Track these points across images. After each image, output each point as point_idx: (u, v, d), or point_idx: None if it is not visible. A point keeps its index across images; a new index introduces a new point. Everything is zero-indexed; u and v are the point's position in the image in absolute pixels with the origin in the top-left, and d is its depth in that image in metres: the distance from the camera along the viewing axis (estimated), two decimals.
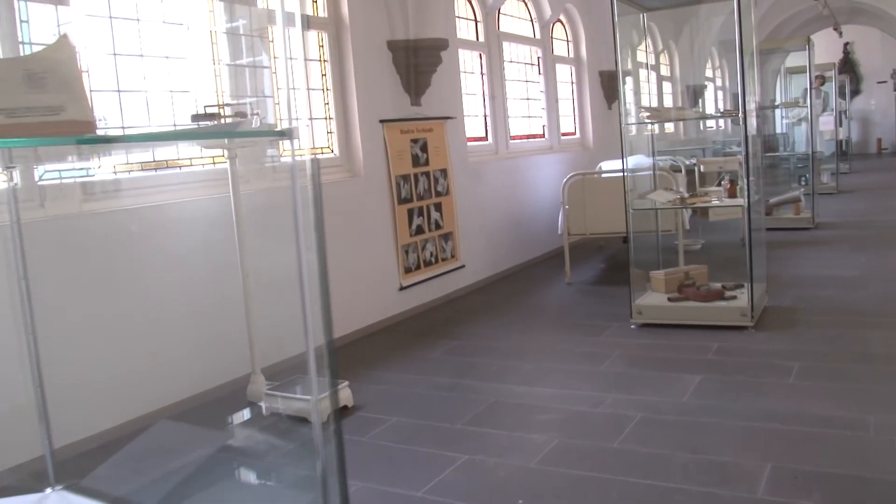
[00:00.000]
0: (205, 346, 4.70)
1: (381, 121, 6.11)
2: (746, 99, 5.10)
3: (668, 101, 12.03)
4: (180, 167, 4.83)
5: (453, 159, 6.91)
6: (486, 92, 7.75)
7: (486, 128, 7.75)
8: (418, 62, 6.30)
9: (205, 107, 4.40)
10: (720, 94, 14.00)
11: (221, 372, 4.79)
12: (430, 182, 6.60)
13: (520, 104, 8.45)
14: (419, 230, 6.46)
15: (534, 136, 8.67)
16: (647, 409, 3.98)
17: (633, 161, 8.41)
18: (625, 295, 5.67)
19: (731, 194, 5.58)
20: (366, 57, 5.99)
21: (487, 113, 7.75)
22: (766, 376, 4.31)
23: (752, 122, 6.38)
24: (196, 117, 4.29)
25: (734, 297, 5.40)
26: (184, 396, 4.59)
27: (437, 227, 6.69)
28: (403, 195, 6.30)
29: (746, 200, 5.15)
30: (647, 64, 6.62)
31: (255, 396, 4.55)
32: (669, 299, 5.50)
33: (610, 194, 6.94)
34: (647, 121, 5.97)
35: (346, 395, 4.42)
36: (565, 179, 7.15)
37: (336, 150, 5.91)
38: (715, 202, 5.69)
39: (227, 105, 4.73)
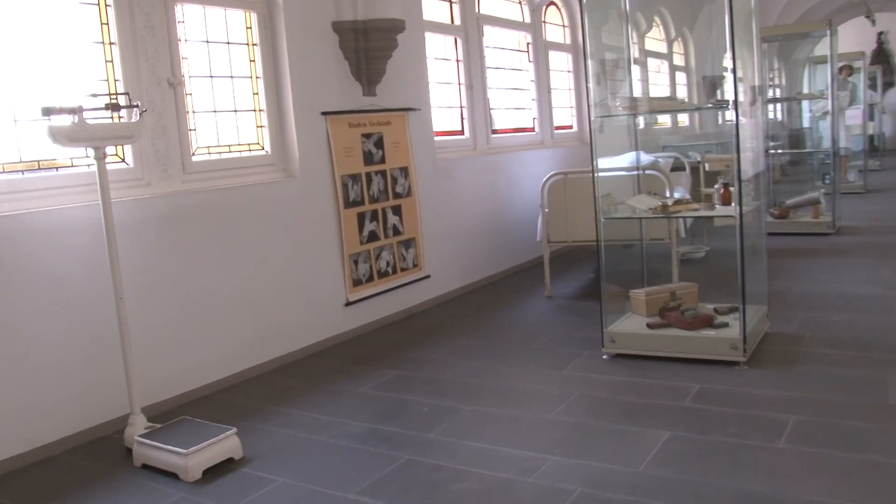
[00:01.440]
0: (81, 380, 3.86)
1: (324, 113, 5.19)
2: (738, 88, 4.10)
3: (682, 93, 10.92)
4: (56, 168, 3.97)
5: (417, 156, 5.97)
6: (463, 81, 6.78)
7: (462, 121, 6.79)
8: (369, 46, 5.36)
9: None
10: (741, 85, 12.71)
11: (101, 411, 3.93)
12: (386, 182, 5.66)
13: (506, 95, 7.47)
14: (372, 237, 5.54)
15: (522, 130, 7.69)
16: (590, 482, 3.02)
17: (628, 158, 7.41)
18: (608, 312, 4.71)
19: (725, 201, 4.56)
20: (305, 40, 5.07)
21: (464, 104, 6.78)
22: (750, 436, 3.32)
23: (757, 113, 5.38)
24: (48, 111, 3.43)
25: (725, 325, 4.39)
26: (53, 439, 3.76)
27: (396, 232, 5.76)
28: (352, 198, 5.38)
29: (738, 209, 4.14)
30: (628, 48, 5.61)
31: (132, 442, 3.68)
32: (649, 325, 4.51)
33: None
34: (622, 113, 4.95)
35: (231, 446, 3.53)
36: (545, 179, 6.17)
37: (267, 147, 5.00)
38: (703, 210, 4.66)
39: (98, 95, 3.85)
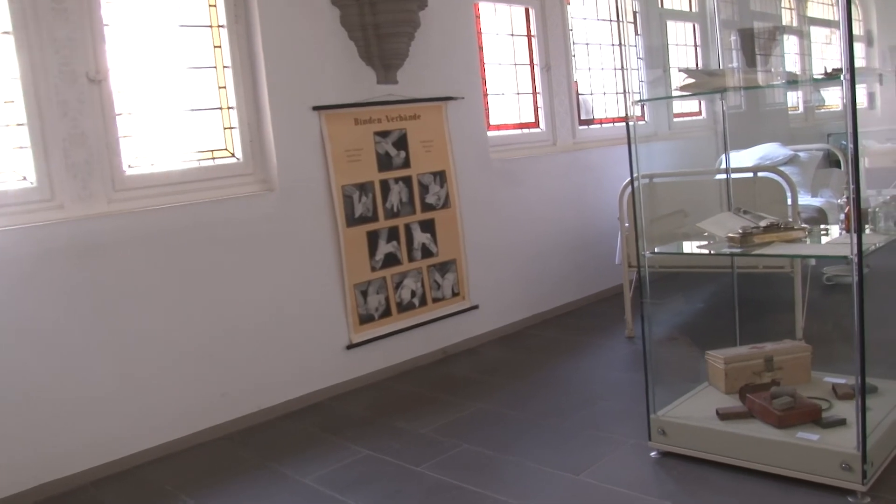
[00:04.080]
0: None
1: (317, 108, 3.97)
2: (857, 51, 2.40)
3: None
4: None
5: (461, 157, 4.60)
6: (538, 62, 5.27)
7: (535, 111, 5.29)
8: (379, 21, 4.06)
9: None
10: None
11: None
12: (411, 191, 4.35)
13: (604, 77, 5.84)
14: (390, 261, 4.26)
15: (626, 120, 6.02)
16: None
17: (760, 152, 5.62)
18: (671, 381, 3.18)
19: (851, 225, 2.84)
20: (290, 17, 3.87)
21: (539, 90, 5.28)
22: None
23: None
24: None
25: (840, 423, 2.69)
26: None
27: (427, 254, 4.43)
28: (359, 213, 4.12)
29: (855, 246, 2.44)
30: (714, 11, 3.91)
31: None
32: (719, 414, 2.89)
33: (698, 207, 4.27)
34: (680, 94, 3.31)
35: None
36: (624, 184, 4.56)
37: (239, 153, 3.86)
38: (802, 244, 2.92)
39: None
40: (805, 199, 5.16)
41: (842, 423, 2.69)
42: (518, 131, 5.17)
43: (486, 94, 4.89)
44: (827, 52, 8.22)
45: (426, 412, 3.67)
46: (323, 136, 3.98)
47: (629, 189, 4.53)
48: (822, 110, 8.00)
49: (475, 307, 4.67)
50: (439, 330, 4.50)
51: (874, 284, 5.07)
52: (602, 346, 4.50)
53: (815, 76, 3.05)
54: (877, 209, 2.92)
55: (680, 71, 3.25)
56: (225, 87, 3.80)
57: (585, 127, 5.60)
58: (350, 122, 4.09)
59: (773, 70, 7.20)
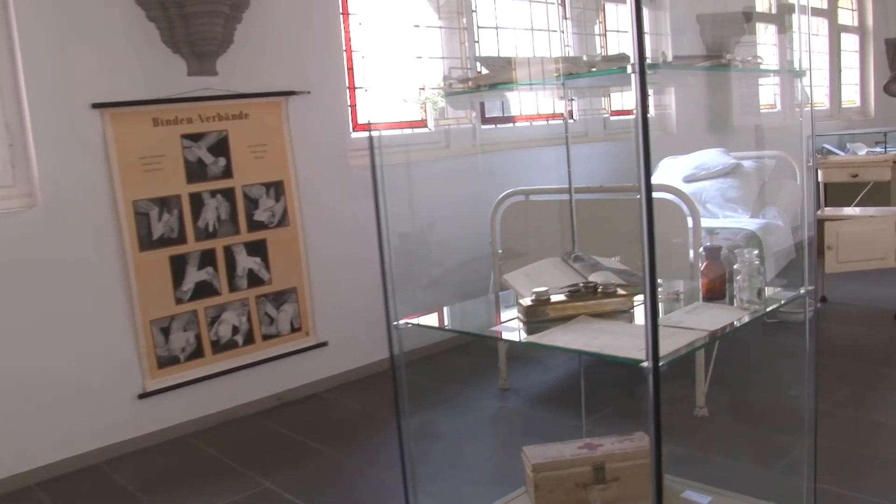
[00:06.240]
0: None
1: (98, 105, 3.21)
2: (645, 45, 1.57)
3: (851, 61, 7.51)
4: None
5: (308, 164, 3.81)
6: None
7: (424, 108, 4.47)
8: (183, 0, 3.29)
9: None
10: None
11: None
12: (234, 207, 3.57)
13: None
14: (204, 290, 3.50)
15: (551, 117, 5.16)
16: None
17: (697, 161, 4.79)
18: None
19: (710, 291, 2.03)
20: None
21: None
22: None
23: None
24: None
25: None
26: None
27: (256, 281, 3.66)
28: (159, 233, 3.36)
29: (649, 345, 1.62)
30: None
31: None
32: None
33: (605, 226, 3.40)
34: (456, 89, 2.44)
35: None
36: (497, 200, 3.72)
37: None
38: (601, 339, 2.08)
39: None
40: (739, 220, 4.29)
41: None
42: (399, 132, 4.37)
43: (352, 88, 4.10)
44: (814, 44, 7.24)
45: (201, 489, 2.92)
46: (106, 139, 3.23)
47: (503, 206, 3.71)
48: (806, 108, 7.03)
49: (323, 344, 3.90)
50: (274, 372, 3.74)
51: (834, 321, 4.24)
52: (468, 398, 3.70)
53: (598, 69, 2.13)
54: (737, 273, 2.09)
55: (477, 59, 2.39)
56: None
57: (492, 126, 4.77)
58: (147, 122, 3.33)
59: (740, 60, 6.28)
